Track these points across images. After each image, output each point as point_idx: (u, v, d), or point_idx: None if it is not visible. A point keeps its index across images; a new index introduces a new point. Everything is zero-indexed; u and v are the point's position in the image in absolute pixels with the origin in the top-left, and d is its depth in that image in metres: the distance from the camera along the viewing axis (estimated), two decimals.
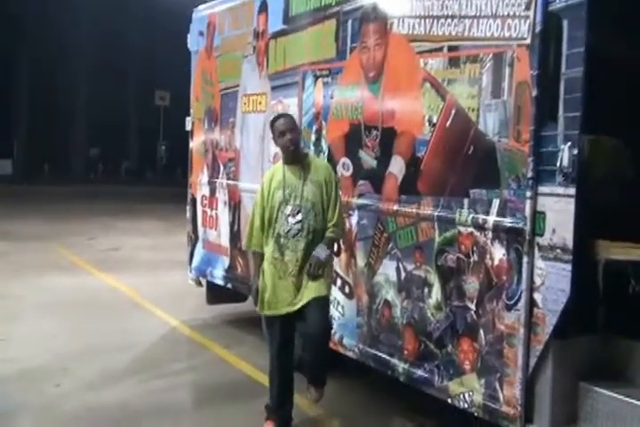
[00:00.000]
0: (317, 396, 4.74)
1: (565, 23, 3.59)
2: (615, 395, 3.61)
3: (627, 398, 3.57)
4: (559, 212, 3.60)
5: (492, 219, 3.99)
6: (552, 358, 3.71)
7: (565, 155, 3.56)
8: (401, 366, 4.72)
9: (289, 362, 4.74)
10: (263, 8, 6.46)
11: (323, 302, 4.58)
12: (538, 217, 3.70)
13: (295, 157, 4.65)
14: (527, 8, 3.78)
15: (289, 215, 4.54)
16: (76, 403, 5.30)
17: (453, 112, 4.32)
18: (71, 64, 35.72)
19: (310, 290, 4.52)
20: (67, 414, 5.10)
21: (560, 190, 3.60)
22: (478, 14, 4.12)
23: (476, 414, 4.14)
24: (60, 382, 5.71)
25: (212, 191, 7.49)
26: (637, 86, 4.42)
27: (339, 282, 5.32)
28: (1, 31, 32.75)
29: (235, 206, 6.99)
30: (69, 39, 34.32)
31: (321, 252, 4.53)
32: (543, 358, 3.72)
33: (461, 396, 4.22)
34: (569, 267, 3.55)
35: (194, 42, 7.95)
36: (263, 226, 4.64)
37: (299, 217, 4.53)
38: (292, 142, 4.58)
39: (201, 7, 7.87)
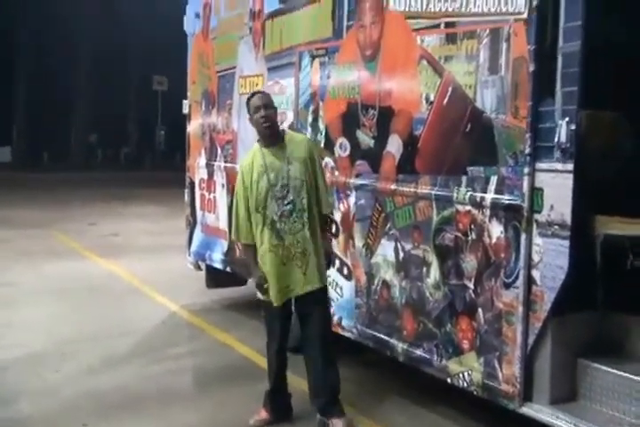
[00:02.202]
0: None
1: None
2: (614, 371, 3.60)
3: (625, 374, 3.56)
4: (557, 188, 3.57)
5: (489, 196, 3.96)
6: (551, 336, 3.70)
7: (563, 130, 3.53)
8: (400, 346, 4.71)
9: (286, 345, 4.65)
10: None
11: (324, 293, 4.54)
12: (536, 193, 3.67)
13: (272, 136, 4.44)
14: None
15: (279, 198, 4.34)
16: (76, 388, 5.28)
17: (450, 89, 4.27)
18: (70, 51, 35.53)
19: (314, 279, 4.41)
20: (67, 398, 5.08)
21: (558, 166, 3.57)
22: None
23: (475, 392, 4.14)
24: (59, 368, 5.70)
25: (210, 174, 7.45)
26: (635, 60, 4.38)
27: (337, 263, 5.29)
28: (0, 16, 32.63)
29: (232, 189, 6.92)
30: (69, 25, 34.13)
31: (327, 244, 4.51)
32: (542, 335, 3.71)
33: (461, 375, 4.21)
34: (567, 243, 3.53)
35: (190, 24, 7.90)
36: (249, 216, 4.44)
37: (290, 197, 4.35)
38: (266, 119, 4.36)
39: None
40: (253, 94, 4.54)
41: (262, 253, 4.45)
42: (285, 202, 4.36)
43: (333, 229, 5.03)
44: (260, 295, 4.55)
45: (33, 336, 6.55)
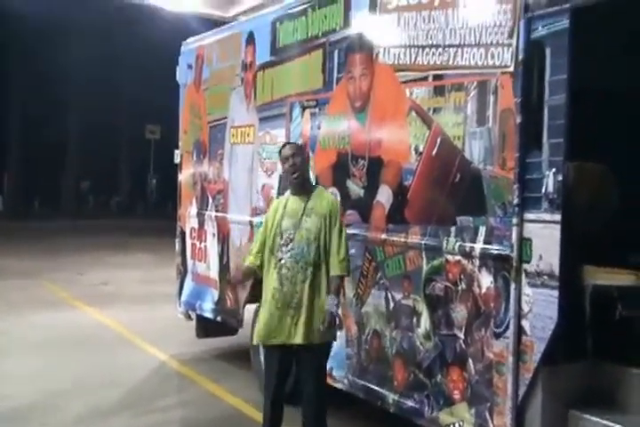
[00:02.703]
0: None
1: (548, 51, 3.63)
2: (605, 422, 3.57)
3: (617, 426, 3.53)
4: (545, 238, 3.59)
5: (479, 246, 3.99)
6: (541, 386, 3.68)
7: (550, 181, 3.57)
8: (391, 397, 4.68)
9: (282, 394, 4.58)
10: (251, 40, 6.52)
11: (322, 350, 4.50)
12: (524, 244, 3.70)
13: (299, 185, 4.53)
14: (510, 36, 3.82)
15: (283, 245, 4.42)
16: None
17: (439, 140, 4.34)
18: (62, 98, 35.83)
19: (311, 333, 4.35)
20: None
21: (546, 217, 3.60)
22: (462, 43, 4.17)
23: None
24: (45, 421, 5.62)
25: (201, 223, 7.47)
26: (621, 112, 4.46)
27: None
28: None
29: (223, 238, 6.97)
30: (60, 73, 34.46)
31: (332, 304, 4.33)
32: (532, 386, 3.69)
33: (452, 426, 4.17)
34: (556, 293, 3.54)
35: (182, 75, 8.00)
36: (261, 251, 4.54)
37: (292, 246, 4.39)
38: (294, 168, 4.45)
39: (189, 40, 7.95)
40: (284, 145, 4.66)
41: (265, 292, 4.52)
42: (287, 249, 4.40)
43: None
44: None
45: (19, 388, 6.45)
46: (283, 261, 4.41)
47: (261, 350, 4.76)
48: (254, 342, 4.59)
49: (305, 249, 4.39)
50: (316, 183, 5.48)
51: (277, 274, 4.43)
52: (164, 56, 13.37)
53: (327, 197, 4.63)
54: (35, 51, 33.44)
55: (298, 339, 4.36)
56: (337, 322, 4.41)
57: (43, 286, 12.49)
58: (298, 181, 4.52)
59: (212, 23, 9.63)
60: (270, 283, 4.48)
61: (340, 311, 4.58)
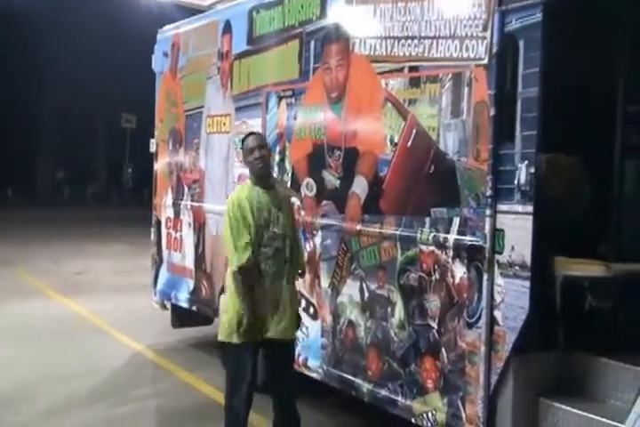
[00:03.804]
0: None
1: (521, 44, 3.66)
2: (576, 410, 3.62)
3: (587, 414, 3.58)
4: (518, 229, 3.63)
5: (452, 237, 4.02)
6: (513, 376, 3.73)
7: (523, 173, 3.61)
8: (365, 387, 4.71)
9: (252, 395, 4.42)
10: (227, 29, 6.50)
11: (294, 346, 4.61)
12: (497, 235, 3.74)
13: (266, 176, 4.45)
14: (484, 29, 3.85)
15: (268, 239, 4.32)
16: None
17: (414, 132, 4.36)
18: (37, 87, 35.49)
19: (288, 329, 4.41)
20: None
21: (518, 208, 3.64)
22: (437, 35, 4.19)
23: None
24: (19, 411, 5.61)
25: (177, 213, 7.45)
26: (593, 104, 4.51)
27: (303, 303, 5.30)
28: None
29: (199, 228, 6.96)
30: (33, 62, 34.11)
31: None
32: (504, 375, 3.74)
33: (425, 415, 4.22)
34: (527, 284, 3.58)
35: (158, 63, 7.96)
36: (252, 242, 4.30)
37: (276, 243, 4.34)
38: (260, 160, 4.35)
39: (166, 28, 7.91)
40: (248, 135, 4.53)
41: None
42: (273, 245, 4.34)
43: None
44: (220, 335, 4.46)
45: None
46: (264, 259, 4.32)
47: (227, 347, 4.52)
48: (236, 341, 4.32)
49: (281, 244, 4.36)
50: (293, 174, 5.51)
51: (257, 270, 4.32)
52: (140, 44, 13.26)
53: (286, 188, 4.69)
54: (7, 39, 33.03)
55: (278, 334, 4.34)
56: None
57: (17, 276, 12.40)
58: (265, 173, 4.44)
59: (189, 11, 9.59)
60: None
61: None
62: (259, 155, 4.34)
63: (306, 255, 5.22)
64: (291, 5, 5.54)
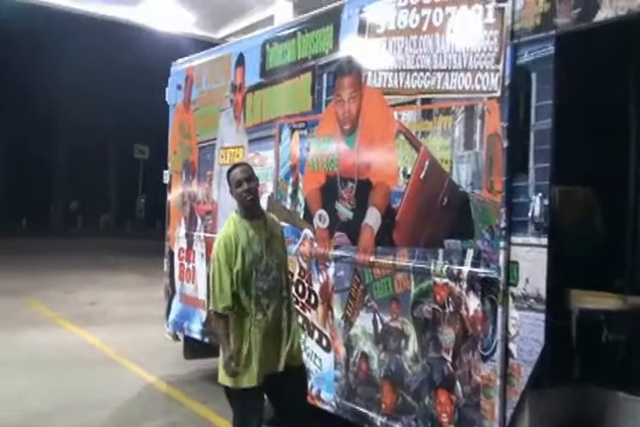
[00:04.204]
0: None
1: (534, 76, 3.67)
2: None
3: None
4: (532, 262, 3.62)
5: (466, 269, 4.00)
6: (528, 410, 3.69)
7: (537, 205, 3.60)
8: (379, 420, 4.66)
9: None
10: (240, 61, 6.56)
11: (304, 372, 4.55)
12: (511, 267, 3.72)
13: (254, 209, 4.39)
14: (497, 62, 3.86)
15: (263, 273, 4.28)
16: None
17: (427, 164, 4.37)
18: (50, 118, 35.88)
19: (295, 356, 4.41)
20: None
21: (532, 240, 3.63)
22: (450, 68, 4.21)
23: None
24: None
25: (190, 244, 7.46)
26: (607, 136, 4.51)
27: (316, 334, 5.28)
28: None
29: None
30: (48, 92, 34.50)
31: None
32: (520, 409, 3.70)
33: None
34: (542, 317, 3.56)
35: (172, 95, 8.03)
36: (231, 285, 4.24)
37: (273, 273, 4.32)
38: (249, 193, 4.26)
39: (180, 61, 7.99)
40: (234, 166, 4.45)
41: (244, 331, 4.26)
42: (270, 277, 4.31)
43: None
44: (222, 379, 4.32)
45: (3, 410, 6.39)
46: (264, 292, 4.28)
47: (231, 393, 4.43)
48: (250, 386, 4.24)
49: (278, 275, 4.36)
50: (305, 206, 5.51)
51: (257, 305, 4.26)
52: (153, 76, 13.42)
53: (273, 217, 4.65)
54: (21, 70, 33.49)
55: (282, 365, 4.32)
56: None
57: (30, 305, 12.42)
58: (253, 205, 4.37)
59: (202, 44, 9.70)
60: (251, 316, 4.26)
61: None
62: (247, 187, 4.27)
63: (319, 287, 5.23)
64: (304, 39, 5.60)
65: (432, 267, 4.24)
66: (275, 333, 4.31)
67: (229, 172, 4.41)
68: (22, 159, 35.87)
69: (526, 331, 3.63)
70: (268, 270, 4.31)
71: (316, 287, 5.31)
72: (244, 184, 4.27)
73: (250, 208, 4.37)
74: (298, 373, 4.45)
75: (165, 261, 8.06)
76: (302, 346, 4.60)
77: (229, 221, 4.46)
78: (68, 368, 8.01)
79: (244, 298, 4.27)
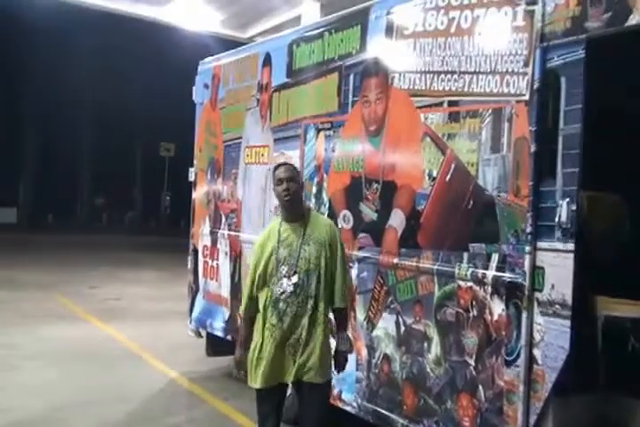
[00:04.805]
0: None
1: (563, 80, 3.64)
2: None
3: None
4: (558, 267, 3.59)
5: (491, 273, 3.98)
6: (552, 417, 3.66)
7: (564, 210, 3.57)
8: (400, 422, 4.66)
9: None
10: (267, 61, 6.57)
11: (324, 390, 4.23)
12: (537, 272, 3.69)
13: (292, 210, 4.24)
14: (526, 65, 3.84)
15: (284, 277, 4.12)
16: None
17: (453, 166, 4.35)
18: (78, 115, 36.19)
19: (312, 371, 4.11)
20: None
21: (559, 246, 3.60)
22: (478, 70, 4.18)
23: None
24: None
25: (214, 242, 7.49)
26: (636, 140, 4.46)
27: None
28: (8, 81, 33.34)
29: (236, 257, 6.99)
30: (76, 90, 34.83)
31: (344, 344, 4.26)
32: (543, 416, 3.67)
33: None
34: (568, 323, 3.53)
35: (199, 94, 8.06)
36: (258, 289, 4.22)
37: (295, 279, 4.11)
38: (287, 192, 4.16)
39: (207, 60, 8.02)
40: (279, 166, 4.38)
41: (260, 333, 4.21)
42: (291, 282, 4.12)
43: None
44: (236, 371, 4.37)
45: (26, 401, 6.48)
46: (281, 295, 4.13)
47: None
48: (255, 387, 4.20)
49: (305, 281, 4.13)
50: (330, 206, 5.51)
51: (274, 309, 4.14)
52: (180, 74, 13.50)
53: (325, 223, 4.37)
54: (50, 69, 33.81)
55: (304, 377, 4.13)
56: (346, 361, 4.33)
57: (55, 300, 12.54)
58: (289, 205, 4.23)
59: (229, 44, 9.72)
60: (266, 320, 4.17)
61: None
62: (286, 186, 4.18)
63: None
64: (331, 39, 5.59)
65: (456, 270, 4.22)
66: (286, 342, 4.14)
67: (275, 169, 4.35)
68: (50, 157, 36.20)
69: (551, 337, 3.60)
70: (290, 274, 4.14)
71: None
72: (284, 183, 4.18)
73: (287, 209, 4.26)
74: (312, 392, 4.16)
75: (189, 258, 8.10)
76: (321, 367, 4.16)
77: (270, 225, 4.44)
78: (93, 362, 8.09)
79: (262, 300, 4.21)
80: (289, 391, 4.38)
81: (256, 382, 4.20)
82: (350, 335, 5.16)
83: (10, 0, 22.32)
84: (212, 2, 13.11)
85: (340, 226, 5.33)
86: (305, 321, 4.13)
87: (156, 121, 35.76)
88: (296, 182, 4.24)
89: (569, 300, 3.53)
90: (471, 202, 4.19)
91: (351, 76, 5.33)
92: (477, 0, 4.20)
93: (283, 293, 4.13)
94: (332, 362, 4.27)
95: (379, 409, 4.88)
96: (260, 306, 4.23)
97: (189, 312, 7.99)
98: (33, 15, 26.02)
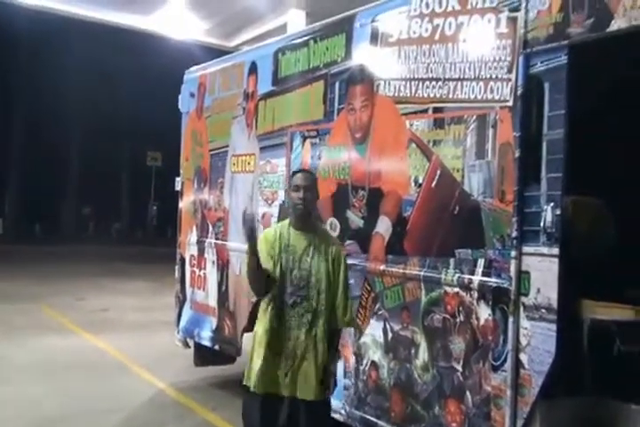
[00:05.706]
0: None
1: (546, 86, 3.67)
2: None
3: None
4: (543, 271, 3.61)
5: (477, 279, 4.00)
6: (539, 421, 3.67)
7: (549, 215, 3.59)
8: None
9: None
10: (253, 70, 6.59)
11: (318, 409, 4.06)
12: (523, 277, 3.71)
13: (303, 219, 4.12)
14: (509, 71, 3.87)
15: (294, 285, 4.03)
16: None
17: (439, 172, 4.37)
18: (64, 124, 36.07)
19: (306, 388, 4.00)
20: None
21: (544, 250, 3.62)
22: (462, 77, 4.21)
23: None
24: None
25: (201, 251, 7.47)
26: (619, 145, 4.49)
27: None
28: None
29: (223, 266, 6.97)
30: (62, 100, 34.73)
31: (335, 362, 4.20)
32: (530, 420, 3.68)
33: None
34: (554, 327, 3.55)
35: (185, 103, 8.05)
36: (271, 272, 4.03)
37: (304, 291, 4.02)
38: (302, 202, 4.04)
39: (192, 69, 8.02)
40: (298, 171, 4.32)
41: (261, 333, 4.10)
42: (299, 293, 4.03)
43: None
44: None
45: (13, 414, 6.42)
46: (286, 300, 4.03)
47: (248, 396, 4.17)
48: (251, 389, 4.07)
49: (313, 294, 4.04)
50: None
51: (276, 314, 4.04)
52: (166, 83, 13.48)
53: (333, 241, 4.30)
54: (35, 77, 33.74)
55: (298, 393, 4.00)
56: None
57: (42, 311, 12.45)
58: (301, 214, 4.10)
59: (215, 52, 9.73)
60: (267, 320, 4.07)
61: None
62: (303, 196, 4.05)
63: None
64: (316, 47, 5.62)
65: (443, 276, 4.23)
66: (280, 351, 4.03)
67: (294, 174, 4.26)
68: (36, 167, 36.02)
69: (537, 341, 3.62)
70: (296, 285, 4.04)
71: None
72: (301, 191, 4.06)
73: (299, 217, 4.14)
74: (312, 410, 4.02)
75: (177, 267, 8.07)
76: (329, 382, 4.07)
77: (282, 223, 4.30)
78: (81, 374, 8.02)
79: (269, 300, 4.08)
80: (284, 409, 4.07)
81: (247, 380, 4.07)
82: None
83: None
84: (198, 11, 13.10)
85: None
86: (302, 334, 4.03)
87: (142, 130, 35.66)
88: (313, 193, 4.15)
89: (554, 304, 3.55)
90: (457, 208, 4.21)
91: (337, 84, 5.35)
92: (461, 7, 4.23)
93: (289, 301, 4.03)
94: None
95: (367, 416, 4.88)
96: (262, 307, 4.12)
97: (177, 322, 7.94)
98: (19, 23, 26.02)
